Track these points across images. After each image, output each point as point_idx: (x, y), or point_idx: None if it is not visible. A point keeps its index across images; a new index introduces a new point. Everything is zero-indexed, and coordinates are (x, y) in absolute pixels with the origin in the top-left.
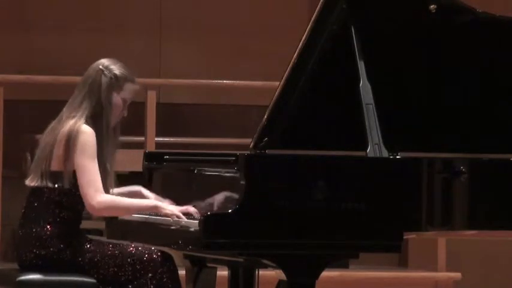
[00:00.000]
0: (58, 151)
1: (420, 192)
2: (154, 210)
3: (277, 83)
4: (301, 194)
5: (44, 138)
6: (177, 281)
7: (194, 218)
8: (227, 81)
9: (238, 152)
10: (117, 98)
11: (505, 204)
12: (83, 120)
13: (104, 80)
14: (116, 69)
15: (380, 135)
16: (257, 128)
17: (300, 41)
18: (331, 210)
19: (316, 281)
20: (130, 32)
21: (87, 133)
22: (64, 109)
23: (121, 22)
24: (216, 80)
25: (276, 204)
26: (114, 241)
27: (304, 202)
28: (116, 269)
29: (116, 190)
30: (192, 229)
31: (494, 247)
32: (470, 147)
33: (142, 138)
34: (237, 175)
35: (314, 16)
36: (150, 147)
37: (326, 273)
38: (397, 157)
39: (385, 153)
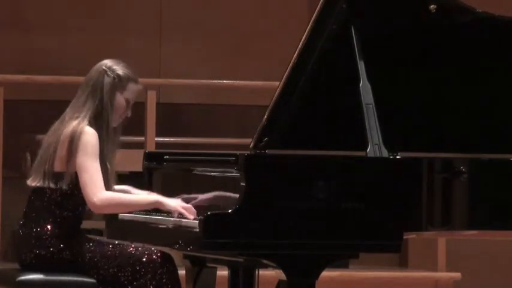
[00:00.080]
0: (61, 152)
1: (420, 192)
2: (157, 205)
3: (277, 83)
4: (301, 194)
5: (46, 139)
6: (177, 281)
7: (194, 218)
8: (227, 81)
9: (238, 152)
10: (120, 98)
11: (505, 204)
12: (86, 121)
13: (107, 80)
14: (119, 69)
15: (380, 135)
16: (257, 128)
17: (300, 41)
18: (331, 210)
19: (316, 281)
20: (131, 32)
21: (89, 134)
22: (67, 110)
23: (121, 22)
24: (216, 80)
25: (276, 204)
26: (114, 241)
27: (304, 202)
28: (115, 270)
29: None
30: (192, 229)
31: (494, 247)
32: (470, 147)
33: (142, 138)
34: (237, 175)
35: (314, 16)
36: (150, 147)
37: (326, 273)
38: (397, 157)
39: (385, 153)
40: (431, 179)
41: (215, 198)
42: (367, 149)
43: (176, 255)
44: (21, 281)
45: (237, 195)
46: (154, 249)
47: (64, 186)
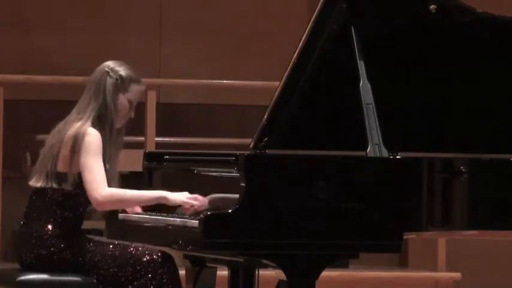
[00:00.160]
0: (64, 152)
1: (420, 192)
2: (162, 200)
3: (277, 83)
4: (301, 194)
5: (49, 139)
6: (178, 281)
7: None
8: (227, 81)
9: (238, 152)
10: (123, 99)
11: (505, 204)
12: (89, 122)
13: (109, 81)
14: (122, 70)
15: (380, 135)
16: (257, 128)
17: (300, 41)
18: (331, 210)
19: (316, 281)
20: (131, 32)
21: (92, 135)
22: (72, 111)
23: (121, 22)
24: (216, 80)
25: (276, 204)
26: (115, 241)
27: (304, 202)
28: (116, 270)
29: None
30: (192, 229)
31: (494, 247)
32: (470, 147)
33: (142, 138)
34: (237, 175)
35: (314, 16)
36: (150, 147)
37: (326, 273)
38: (397, 157)
39: (385, 153)
40: (431, 179)
41: (212, 200)
42: (367, 149)
43: (176, 255)
44: (21, 281)
45: (234, 196)
46: (155, 249)
47: (67, 187)
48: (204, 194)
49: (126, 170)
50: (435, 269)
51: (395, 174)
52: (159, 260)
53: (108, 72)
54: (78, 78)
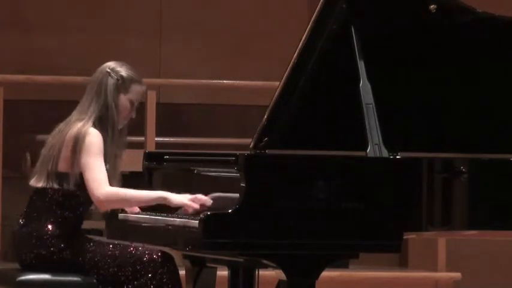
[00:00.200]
0: (65, 153)
1: (420, 192)
2: (163, 201)
3: (277, 83)
4: (301, 194)
5: (50, 140)
6: (178, 281)
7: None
8: (227, 81)
9: (238, 152)
10: (124, 100)
11: (505, 204)
12: (90, 123)
13: (111, 81)
14: (123, 71)
15: (380, 135)
16: (257, 128)
17: (300, 41)
18: (331, 210)
19: (316, 281)
20: (131, 32)
21: (93, 135)
22: (73, 112)
23: (121, 22)
24: (216, 80)
25: (276, 204)
26: (115, 241)
27: (304, 202)
28: (116, 269)
29: None
30: (192, 229)
31: (494, 247)
32: (470, 147)
33: (142, 138)
34: (237, 175)
35: (314, 16)
36: (150, 147)
37: (326, 273)
38: (397, 157)
39: (385, 153)
40: (431, 179)
41: (213, 199)
42: (367, 149)
43: (176, 255)
44: (21, 281)
45: (235, 195)
46: (155, 249)
47: (69, 187)
48: (204, 194)
49: (126, 170)
50: (435, 269)
51: (395, 174)
52: (159, 260)
53: (109, 73)
54: (78, 78)
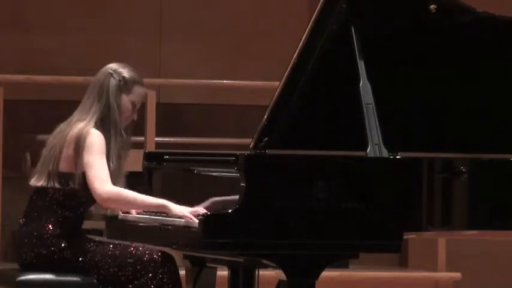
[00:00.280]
0: (67, 152)
1: (420, 192)
2: (163, 209)
3: (277, 83)
4: (301, 194)
5: (51, 140)
6: (178, 281)
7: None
8: (227, 81)
9: (238, 152)
10: (126, 101)
11: (505, 204)
12: (92, 123)
13: (113, 82)
14: (125, 72)
15: (380, 135)
16: (257, 128)
17: (300, 41)
18: (331, 210)
19: (316, 281)
20: (131, 32)
21: (94, 135)
22: (74, 113)
23: (121, 22)
24: (216, 80)
25: (276, 204)
26: (115, 241)
27: (304, 202)
28: (116, 269)
29: None
30: (192, 229)
31: (494, 247)
32: (470, 147)
33: (142, 138)
34: (237, 175)
35: (314, 16)
36: (150, 147)
37: (326, 273)
38: (397, 157)
39: (385, 153)
40: (431, 179)
41: (213, 204)
42: (367, 149)
43: (176, 255)
44: (21, 281)
45: (235, 197)
46: (155, 249)
47: (68, 187)
48: (205, 194)
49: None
50: (435, 269)
51: (395, 174)
52: (160, 260)
53: (111, 74)
54: (78, 78)
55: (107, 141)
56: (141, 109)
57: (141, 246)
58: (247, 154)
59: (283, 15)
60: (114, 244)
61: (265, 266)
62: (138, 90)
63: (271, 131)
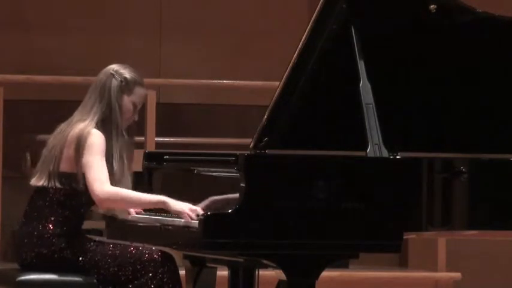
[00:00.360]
0: (67, 153)
1: (420, 192)
2: (163, 206)
3: (277, 83)
4: (301, 194)
5: (52, 140)
6: (178, 281)
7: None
8: (227, 81)
9: (238, 152)
10: (127, 101)
11: (505, 204)
12: (93, 124)
13: (114, 83)
14: (127, 73)
15: (380, 135)
16: (257, 128)
17: (300, 41)
18: (331, 210)
19: (316, 281)
20: (131, 32)
21: (95, 135)
22: (75, 113)
23: (121, 22)
24: (216, 80)
25: (276, 204)
26: (115, 241)
27: (304, 202)
28: (116, 269)
29: None
30: (192, 229)
31: (494, 247)
32: (470, 147)
33: (142, 138)
34: (237, 175)
35: (314, 16)
36: (150, 147)
37: (326, 273)
38: (397, 157)
39: (385, 153)
40: (431, 179)
41: (213, 203)
42: (367, 149)
43: (176, 255)
44: (21, 281)
45: (235, 196)
46: (155, 249)
47: (68, 187)
48: (205, 194)
49: None
50: (435, 269)
51: (395, 174)
52: (160, 260)
53: (113, 75)
54: (78, 78)
55: (108, 142)
56: (141, 109)
57: (141, 246)
58: (247, 154)
59: (283, 15)
60: (114, 244)
61: (265, 266)
62: (139, 91)
63: (271, 131)
